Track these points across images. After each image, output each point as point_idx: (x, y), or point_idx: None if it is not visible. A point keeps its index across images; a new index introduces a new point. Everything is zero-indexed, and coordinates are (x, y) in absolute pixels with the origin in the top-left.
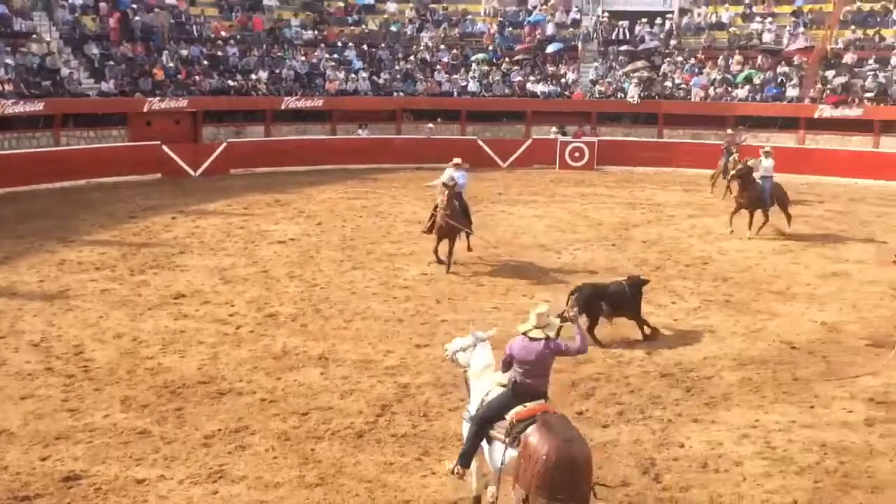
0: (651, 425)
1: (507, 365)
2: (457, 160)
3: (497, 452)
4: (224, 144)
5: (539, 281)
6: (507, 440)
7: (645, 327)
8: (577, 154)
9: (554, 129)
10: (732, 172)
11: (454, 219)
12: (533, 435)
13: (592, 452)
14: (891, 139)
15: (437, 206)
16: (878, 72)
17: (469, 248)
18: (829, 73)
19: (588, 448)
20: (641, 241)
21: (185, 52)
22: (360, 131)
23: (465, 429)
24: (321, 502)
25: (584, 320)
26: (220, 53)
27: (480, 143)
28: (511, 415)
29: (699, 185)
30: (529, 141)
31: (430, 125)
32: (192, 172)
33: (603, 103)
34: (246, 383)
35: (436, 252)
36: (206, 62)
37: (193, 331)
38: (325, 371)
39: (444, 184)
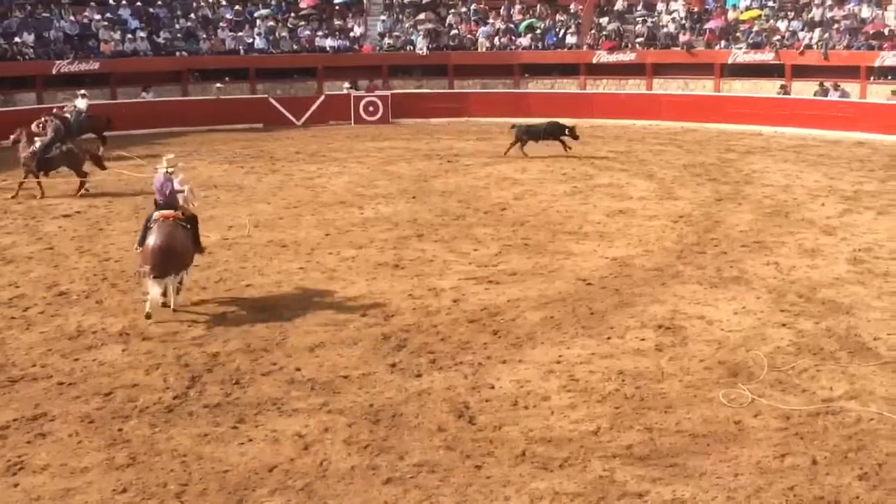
0: (462, 370)
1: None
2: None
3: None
4: None
5: (344, 237)
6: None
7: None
8: (371, 108)
9: (346, 84)
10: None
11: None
12: (149, 229)
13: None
14: (661, 81)
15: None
16: (646, 18)
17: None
18: (603, 20)
19: (177, 242)
20: (441, 191)
21: None
22: (143, 94)
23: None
24: (134, 482)
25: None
26: None
27: (272, 101)
28: (154, 215)
29: (490, 132)
30: (323, 97)
31: (219, 85)
32: None
33: (393, 56)
34: (40, 367)
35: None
36: None
37: None
38: (126, 347)
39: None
